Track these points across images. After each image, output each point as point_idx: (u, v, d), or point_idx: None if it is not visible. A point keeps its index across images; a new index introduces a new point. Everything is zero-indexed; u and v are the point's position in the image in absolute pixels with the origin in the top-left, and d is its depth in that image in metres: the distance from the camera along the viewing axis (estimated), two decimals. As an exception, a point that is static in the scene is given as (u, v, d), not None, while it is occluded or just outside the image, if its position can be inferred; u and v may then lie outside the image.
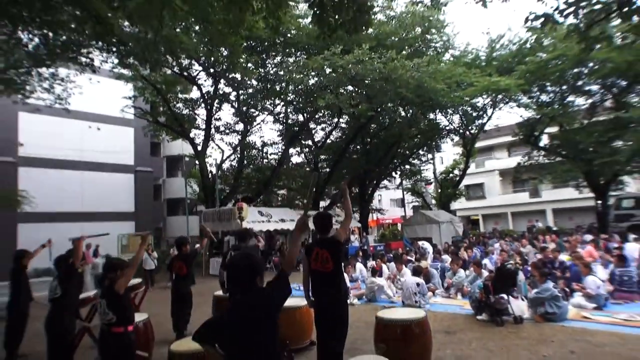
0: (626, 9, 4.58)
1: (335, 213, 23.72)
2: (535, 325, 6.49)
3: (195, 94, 22.56)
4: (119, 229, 21.79)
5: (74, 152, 23.10)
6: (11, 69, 10.23)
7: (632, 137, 18.82)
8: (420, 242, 15.31)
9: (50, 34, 8.82)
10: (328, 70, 17.71)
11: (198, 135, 23.67)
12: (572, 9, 5.02)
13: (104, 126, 24.40)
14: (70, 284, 5.41)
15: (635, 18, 4.75)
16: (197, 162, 22.27)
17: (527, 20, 5.89)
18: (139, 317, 5.19)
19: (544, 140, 25.95)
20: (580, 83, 21.79)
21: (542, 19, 5.35)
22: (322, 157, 27.93)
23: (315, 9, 5.86)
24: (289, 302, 5.99)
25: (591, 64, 19.42)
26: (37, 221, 20.18)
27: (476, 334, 6.21)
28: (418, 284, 8.43)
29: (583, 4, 5.00)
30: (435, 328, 5.76)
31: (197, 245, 7.67)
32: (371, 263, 11.98)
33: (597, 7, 4.91)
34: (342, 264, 4.45)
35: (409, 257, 12.79)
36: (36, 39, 9.34)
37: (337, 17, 5.91)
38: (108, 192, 24.19)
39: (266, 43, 18.61)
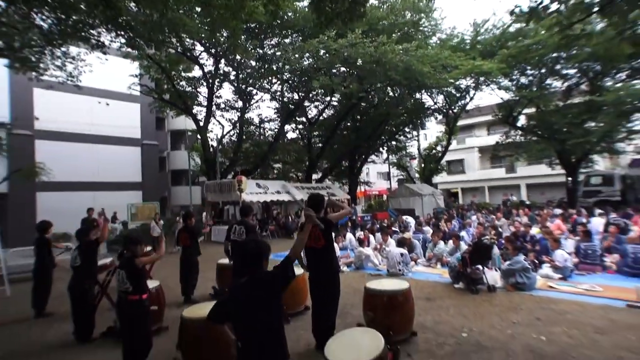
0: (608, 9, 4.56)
1: (326, 185, 23.94)
2: (506, 294, 6.67)
3: (197, 72, 22.28)
4: (127, 198, 22.21)
5: (85, 126, 23.08)
6: (26, 48, 10.06)
7: (604, 119, 18.95)
8: (404, 217, 15.51)
9: (63, 16, 8.62)
10: (322, 52, 17.48)
11: (200, 111, 23.60)
12: (555, 6, 4.98)
13: (112, 102, 24.49)
14: (88, 255, 5.64)
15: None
16: (199, 136, 22.19)
17: (512, 13, 5.85)
18: (151, 284, 5.33)
19: (522, 121, 26.00)
20: (558, 67, 21.74)
21: (526, 14, 5.31)
22: (315, 133, 27.85)
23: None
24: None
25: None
26: (53, 190, 20.44)
27: (453, 301, 6.38)
28: (402, 254, 8.66)
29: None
30: (417, 295, 5.89)
31: (205, 220, 7.90)
32: (359, 233, 12.13)
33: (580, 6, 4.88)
34: (333, 241, 4.55)
35: (394, 228, 13.02)
36: (49, 20, 9.14)
37: (333, 6, 5.84)
38: (117, 164, 24.35)
39: (264, 25, 18.19)
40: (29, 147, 20.48)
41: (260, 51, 20.55)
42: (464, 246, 8.68)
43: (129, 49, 14.96)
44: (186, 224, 7.50)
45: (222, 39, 17.31)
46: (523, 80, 23.41)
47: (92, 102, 23.25)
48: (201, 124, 21.64)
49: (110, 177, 23.80)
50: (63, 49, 11.35)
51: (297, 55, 18.60)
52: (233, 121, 25.64)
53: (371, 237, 11.22)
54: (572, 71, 22.07)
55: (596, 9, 4.76)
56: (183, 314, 4.13)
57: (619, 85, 20.22)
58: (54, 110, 21.30)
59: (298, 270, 6.02)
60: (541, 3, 5.33)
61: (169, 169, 31.71)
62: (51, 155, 20.03)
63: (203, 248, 7.87)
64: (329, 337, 4.27)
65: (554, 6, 5.09)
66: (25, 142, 20.30)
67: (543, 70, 22.13)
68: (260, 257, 2.50)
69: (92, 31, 10.60)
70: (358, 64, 17.80)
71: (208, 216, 19.23)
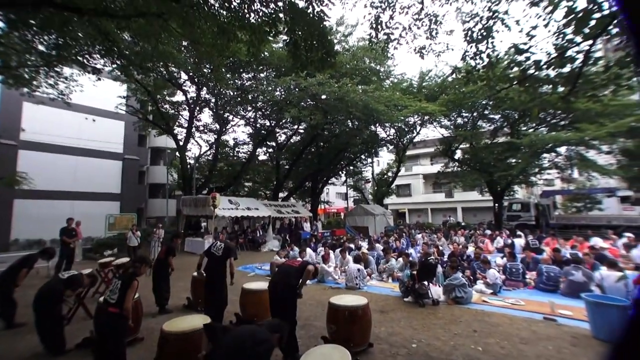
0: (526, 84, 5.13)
1: (291, 203, 23.83)
2: (448, 307, 6.84)
3: (180, 97, 21.89)
4: (105, 208, 21.21)
5: (70, 139, 21.73)
6: (22, 67, 9.52)
7: (521, 157, 20.30)
8: (359, 242, 15.09)
9: (61, 42, 8.28)
10: (293, 87, 17.72)
11: (180, 132, 23.01)
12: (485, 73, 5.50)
13: (98, 119, 23.44)
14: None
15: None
16: (178, 154, 21.60)
17: (453, 72, 6.33)
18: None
19: (458, 154, 27.30)
20: (487, 112, 23.19)
21: (464, 77, 5.79)
22: (283, 156, 27.86)
23: (291, 47, 5.90)
24: (256, 285, 6.07)
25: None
26: (33, 197, 19.10)
27: (404, 313, 6.46)
28: (359, 269, 8.73)
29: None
30: (372, 307, 5.83)
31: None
32: (320, 249, 12.06)
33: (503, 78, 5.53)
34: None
35: (350, 245, 13.02)
36: (47, 44, 8.74)
37: (308, 55, 5.97)
38: (98, 175, 23.14)
39: (243, 61, 18.22)
40: (12, 157, 19.08)
41: (238, 82, 20.48)
42: (412, 261, 8.84)
43: (119, 73, 14.53)
44: (171, 241, 7.22)
45: (205, 71, 17.14)
46: (459, 120, 24.76)
47: (79, 118, 22.14)
48: (181, 143, 21.11)
49: (90, 188, 22.48)
50: (57, 69, 10.89)
51: (270, 88, 18.79)
52: (210, 142, 25.37)
53: (331, 253, 11.15)
54: (497, 116, 23.66)
55: (515, 82, 5.36)
56: (163, 328, 3.92)
57: (531, 131, 21.89)
58: (42, 123, 20.12)
59: (265, 284, 5.94)
60: (475, 67, 5.84)
61: (147, 183, 30.35)
62: (34, 164, 18.81)
63: (176, 258, 7.31)
64: (293, 349, 4.24)
65: (484, 73, 5.64)
66: (8, 151, 18.90)
67: (475, 114, 23.55)
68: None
69: (88, 57, 10.27)
70: (324, 99, 18.14)
71: (181, 228, 18.55)
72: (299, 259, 7.59)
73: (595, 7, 4.29)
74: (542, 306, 6.63)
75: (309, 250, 11.93)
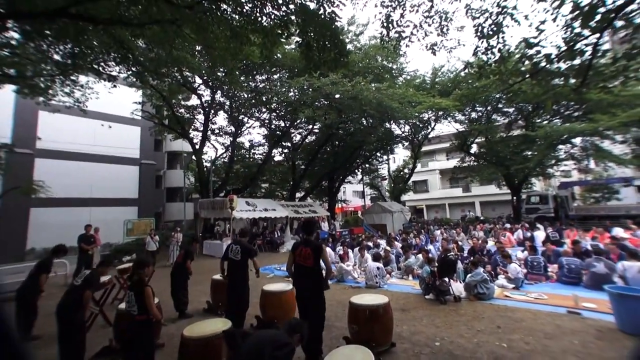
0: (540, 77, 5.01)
1: (308, 203, 23.82)
2: (470, 303, 6.66)
3: (195, 101, 21.98)
4: (123, 213, 21.39)
5: (86, 146, 22.04)
6: (37, 77, 9.68)
7: (537, 150, 19.77)
8: (378, 240, 14.85)
9: (77, 50, 8.42)
10: (307, 87, 17.67)
11: (196, 136, 23.11)
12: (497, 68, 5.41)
13: (114, 125, 23.67)
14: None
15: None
16: (194, 158, 21.72)
17: (465, 67, 6.19)
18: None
19: (474, 148, 26.79)
20: (500, 106, 22.65)
21: (477, 72, 5.67)
22: (299, 156, 27.83)
23: (304, 49, 5.85)
24: (276, 286, 6.04)
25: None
26: (49, 205, 19.27)
27: (425, 311, 6.31)
28: (378, 268, 8.58)
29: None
30: (393, 306, 5.70)
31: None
32: (339, 248, 11.99)
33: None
34: (321, 263, 4.45)
35: (368, 243, 12.82)
36: (63, 53, 8.88)
37: (321, 55, 5.91)
38: (115, 181, 23.34)
39: (256, 64, 18.28)
40: (28, 165, 19.28)
41: (252, 84, 20.52)
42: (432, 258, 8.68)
43: (135, 79, 14.75)
44: (190, 244, 7.15)
45: (219, 74, 17.18)
46: (474, 115, 24.29)
47: (95, 125, 22.37)
48: (197, 147, 21.26)
49: (107, 194, 22.66)
50: (72, 77, 10.95)
51: (284, 89, 18.78)
52: (226, 145, 25.45)
53: (350, 252, 11.09)
54: (511, 109, 23.10)
55: (527, 76, 5.26)
56: (184, 333, 3.87)
57: (545, 122, 21.27)
58: (58, 131, 20.32)
59: (287, 286, 5.90)
60: (487, 62, 5.72)
61: (164, 187, 30.80)
62: (50, 172, 19.05)
63: (195, 262, 7.21)
64: (317, 351, 4.18)
65: (496, 67, 5.55)
66: (25, 160, 19.05)
67: (489, 108, 23.07)
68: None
69: (103, 64, 10.35)
70: (337, 98, 18.03)
71: (199, 231, 18.73)
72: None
73: (599, 1, 4.32)
74: (566, 300, 6.40)
75: (328, 249, 11.85)
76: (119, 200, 23.30)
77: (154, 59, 10.71)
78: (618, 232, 12.03)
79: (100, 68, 10.45)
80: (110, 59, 9.81)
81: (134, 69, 11.25)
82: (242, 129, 24.79)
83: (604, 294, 5.53)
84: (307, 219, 5.39)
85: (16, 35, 7.74)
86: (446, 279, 6.99)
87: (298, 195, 27.90)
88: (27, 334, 5.37)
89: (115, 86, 11.46)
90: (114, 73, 11.17)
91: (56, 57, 9.08)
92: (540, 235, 12.99)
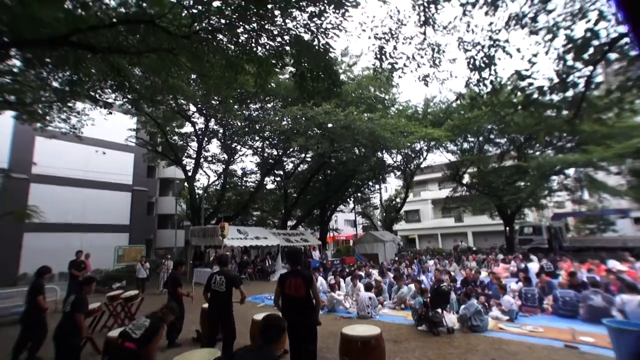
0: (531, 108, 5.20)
1: (299, 232, 23.62)
2: (464, 335, 6.55)
3: (189, 129, 22.19)
4: (115, 239, 21.02)
5: (80, 172, 21.98)
6: (36, 103, 9.85)
7: (530, 180, 20.09)
8: (370, 269, 14.74)
9: (75, 77, 8.59)
10: (300, 117, 17.99)
11: (189, 162, 23.23)
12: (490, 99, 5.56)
13: (108, 151, 23.73)
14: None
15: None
16: (187, 185, 21.69)
17: (457, 98, 6.43)
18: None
19: (466, 179, 27.14)
20: (492, 136, 23.21)
21: (469, 104, 5.85)
22: (291, 185, 27.93)
23: (298, 78, 6.04)
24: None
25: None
26: (42, 231, 19.01)
27: (418, 342, 6.18)
28: (370, 298, 8.47)
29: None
30: (385, 337, 5.58)
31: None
32: (330, 277, 11.82)
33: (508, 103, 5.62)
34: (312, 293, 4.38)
35: (360, 273, 12.68)
36: (61, 80, 9.07)
37: (315, 85, 6.10)
38: (107, 207, 23.16)
39: (250, 93, 18.70)
40: (24, 190, 19.23)
41: (246, 113, 20.86)
42: (424, 289, 8.58)
43: (130, 106, 14.93)
44: (176, 269, 6.99)
45: (214, 102, 17.51)
46: (466, 145, 24.81)
47: (89, 151, 22.38)
48: (190, 174, 21.30)
49: (99, 220, 22.47)
50: (70, 104, 11.14)
51: (277, 118, 19.12)
52: (218, 172, 25.47)
53: (341, 281, 10.94)
54: (503, 140, 23.66)
55: (519, 107, 5.42)
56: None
57: (538, 153, 21.77)
58: (53, 156, 20.38)
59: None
60: (479, 94, 5.91)
61: (156, 213, 30.52)
62: (44, 198, 18.91)
63: (184, 289, 7.10)
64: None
65: (489, 99, 5.72)
66: (21, 185, 19.01)
67: (481, 139, 23.61)
68: None
69: (100, 91, 10.55)
70: (330, 127, 18.36)
71: (190, 258, 18.40)
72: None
73: (593, 35, 4.40)
74: (562, 333, 6.31)
75: (320, 278, 11.70)
76: (110, 226, 23.09)
77: (149, 86, 10.92)
78: (614, 264, 12.06)
79: (97, 95, 10.68)
80: (107, 86, 10.08)
81: (129, 96, 11.45)
82: (235, 157, 24.99)
83: (602, 327, 5.46)
84: (291, 250, 5.33)
85: (18, 63, 7.93)
86: (439, 310, 6.89)
87: (290, 223, 27.73)
88: (31, 357, 5.43)
89: (110, 113, 11.64)
90: (110, 100, 11.38)
91: (55, 84, 9.30)
92: (534, 266, 12.97)
